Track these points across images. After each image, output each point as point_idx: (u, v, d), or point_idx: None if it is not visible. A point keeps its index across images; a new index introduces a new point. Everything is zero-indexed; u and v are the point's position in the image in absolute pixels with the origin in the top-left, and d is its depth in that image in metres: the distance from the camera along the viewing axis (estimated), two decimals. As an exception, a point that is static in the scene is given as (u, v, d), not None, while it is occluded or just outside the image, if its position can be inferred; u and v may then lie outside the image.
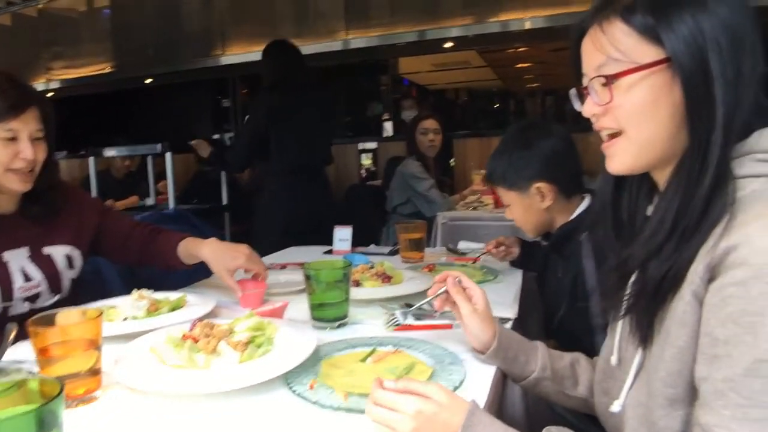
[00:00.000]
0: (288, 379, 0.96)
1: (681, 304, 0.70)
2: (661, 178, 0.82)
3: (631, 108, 0.77)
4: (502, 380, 1.09)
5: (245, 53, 4.59)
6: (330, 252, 2.16)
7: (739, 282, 0.63)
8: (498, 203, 3.48)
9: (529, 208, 1.51)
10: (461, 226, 3.25)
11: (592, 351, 1.09)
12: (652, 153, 0.78)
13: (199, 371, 0.95)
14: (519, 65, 8.68)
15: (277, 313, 1.28)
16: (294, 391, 0.92)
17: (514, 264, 1.84)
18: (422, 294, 1.47)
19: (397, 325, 1.17)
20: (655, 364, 0.75)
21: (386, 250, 2.21)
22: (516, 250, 1.83)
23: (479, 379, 0.99)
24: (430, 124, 3.45)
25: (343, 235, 2.14)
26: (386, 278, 1.53)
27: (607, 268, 0.93)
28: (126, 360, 0.98)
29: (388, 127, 6.43)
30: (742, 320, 0.62)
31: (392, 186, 3.57)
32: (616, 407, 0.83)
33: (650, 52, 0.74)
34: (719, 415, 0.63)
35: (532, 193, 1.48)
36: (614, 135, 0.81)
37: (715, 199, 0.70)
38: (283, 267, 1.93)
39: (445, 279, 1.11)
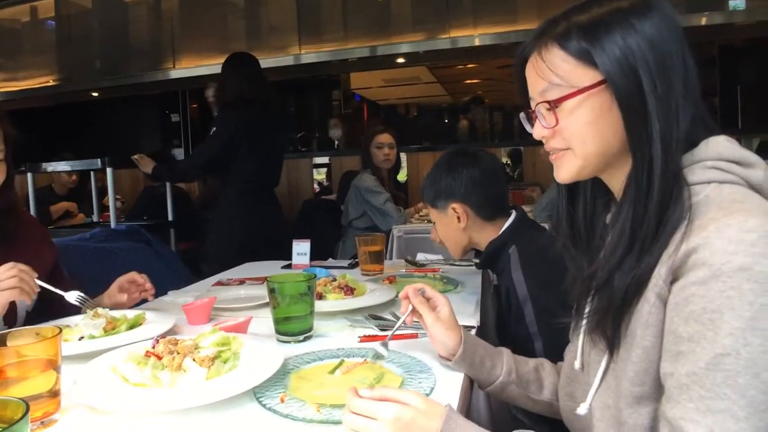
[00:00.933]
0: (257, 393, 0.94)
1: (646, 306, 0.73)
2: (614, 184, 0.87)
3: (575, 129, 0.81)
4: (470, 387, 1.10)
5: (196, 67, 4.53)
6: (289, 266, 2.14)
7: (699, 281, 0.66)
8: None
9: (448, 226, 1.60)
10: (417, 238, 3.28)
11: (534, 357, 1.14)
12: (596, 164, 0.83)
13: (164, 390, 0.92)
14: (467, 81, 8.88)
15: (241, 328, 1.26)
16: (264, 405, 0.90)
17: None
18: (386, 305, 1.49)
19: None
20: (622, 366, 0.78)
21: (345, 263, 2.20)
22: None
23: (448, 386, 1.00)
24: (385, 138, 3.48)
25: (301, 249, 2.13)
26: (349, 290, 1.53)
27: (570, 278, 0.96)
28: (86, 380, 0.94)
29: (339, 142, 6.45)
30: (702, 317, 0.65)
31: (347, 200, 3.58)
32: (582, 410, 0.86)
33: (587, 76, 0.79)
34: (684, 408, 0.66)
35: (449, 213, 1.57)
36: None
37: (670, 208, 0.74)
38: (242, 282, 1.90)
39: (401, 296, 1.11)
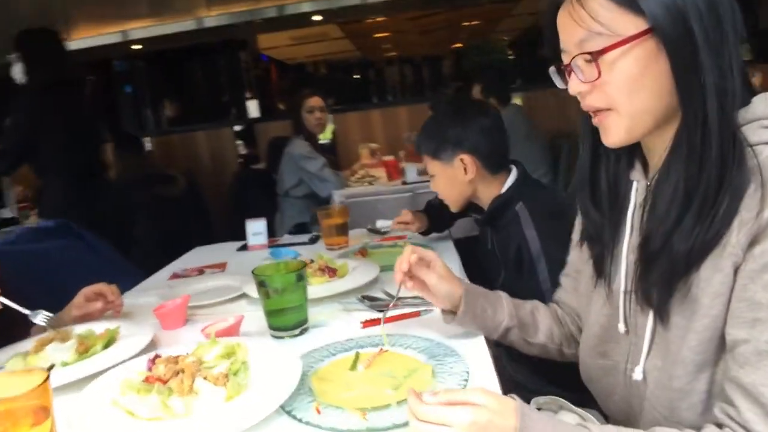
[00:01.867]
0: (285, 406, 0.84)
1: (718, 276, 0.71)
2: (653, 143, 0.82)
3: (619, 83, 0.75)
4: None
5: (95, 36, 4.09)
6: (245, 248, 2.00)
7: None
8: (392, 175, 3.48)
9: (452, 179, 1.52)
10: (359, 202, 3.20)
11: None
12: (645, 123, 0.77)
13: (181, 420, 0.80)
14: (377, 35, 8.71)
15: (234, 330, 1.14)
16: (300, 420, 0.81)
17: (425, 233, 1.87)
18: (374, 282, 1.41)
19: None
20: (680, 333, 0.76)
21: (305, 238, 2.08)
22: (418, 224, 1.84)
23: (479, 366, 0.95)
24: (315, 101, 3.32)
25: (256, 228, 1.99)
26: (331, 272, 1.43)
27: (588, 238, 0.94)
28: (84, 421, 0.80)
29: (253, 107, 6.16)
30: None
31: (282, 169, 3.41)
32: (638, 374, 0.84)
33: (632, 23, 0.72)
34: (765, 373, 0.66)
35: (456, 164, 1.49)
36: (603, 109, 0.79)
37: (732, 169, 0.70)
38: (201, 272, 1.75)
39: (403, 270, 1.03)
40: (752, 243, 0.68)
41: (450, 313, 1.06)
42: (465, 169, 1.48)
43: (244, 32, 5.19)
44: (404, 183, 3.33)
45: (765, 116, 0.73)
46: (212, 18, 4.13)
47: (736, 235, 0.69)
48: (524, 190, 1.47)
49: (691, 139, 0.72)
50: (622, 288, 0.87)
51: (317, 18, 4.49)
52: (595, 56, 0.74)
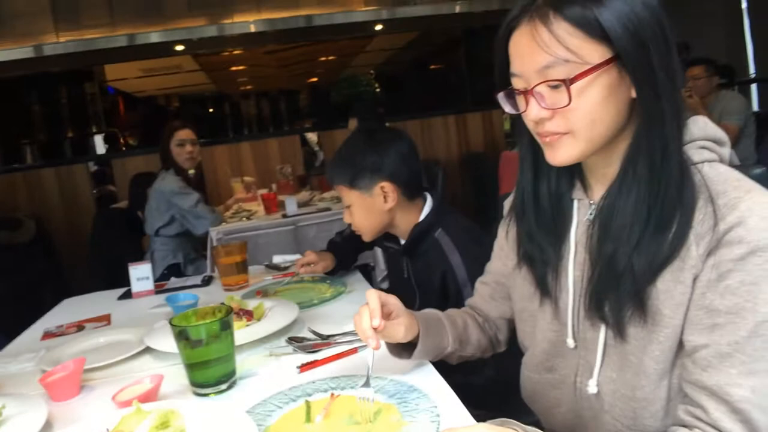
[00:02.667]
0: (248, 475, 0.73)
1: (680, 287, 0.74)
2: (595, 163, 0.84)
3: (585, 110, 0.75)
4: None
5: None
6: (128, 295, 1.77)
7: (737, 258, 0.70)
8: (271, 209, 3.36)
9: (371, 208, 1.47)
10: (238, 239, 3.02)
11: None
12: (598, 146, 0.79)
13: None
14: (233, 68, 8.51)
15: (154, 394, 0.98)
16: (271, 489, 0.70)
17: (331, 272, 1.76)
18: (299, 322, 1.31)
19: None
20: (639, 345, 0.78)
21: (197, 279, 1.90)
22: (324, 263, 1.74)
23: (441, 397, 0.90)
24: (186, 134, 3.11)
25: (141, 273, 1.78)
26: (248, 314, 1.31)
27: (529, 258, 0.94)
28: None
29: (99, 142, 5.70)
30: (740, 290, 0.69)
31: (149, 207, 3.14)
32: (592, 388, 0.85)
33: (597, 52, 0.73)
34: (728, 374, 0.70)
35: (376, 193, 1.44)
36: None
37: (686, 186, 0.74)
38: (80, 327, 1.51)
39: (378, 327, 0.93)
40: (709, 254, 0.72)
41: (396, 345, 1.00)
42: (385, 197, 1.43)
43: (90, 61, 4.77)
44: (284, 216, 3.22)
45: (700, 137, 0.79)
46: (58, 45, 3.73)
47: (695, 248, 0.73)
48: (442, 217, 1.46)
49: (653, 160, 0.75)
50: (570, 304, 0.88)
51: (179, 48, 4.26)
52: (568, 83, 0.73)
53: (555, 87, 0.75)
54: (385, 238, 1.58)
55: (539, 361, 0.95)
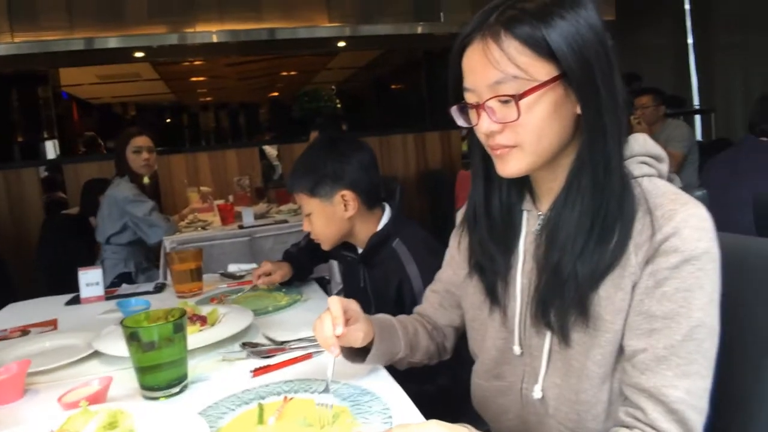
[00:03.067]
0: (198, 474, 0.72)
1: (620, 294, 0.78)
2: (542, 176, 0.88)
3: (532, 124, 0.79)
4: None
5: None
6: (76, 301, 1.72)
7: (673, 266, 0.74)
8: (227, 219, 3.32)
9: (331, 216, 1.48)
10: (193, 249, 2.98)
11: None
12: (545, 160, 0.83)
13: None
14: (193, 78, 8.42)
15: (102, 396, 0.96)
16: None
17: (287, 282, 1.75)
18: (253, 328, 1.31)
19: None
20: (582, 350, 0.81)
21: (149, 286, 1.86)
22: (281, 272, 1.73)
23: (393, 399, 0.92)
24: (143, 141, 3.05)
25: (90, 278, 1.74)
26: (202, 320, 1.29)
27: (479, 266, 0.96)
28: None
29: (50, 148, 5.55)
30: (676, 297, 0.74)
31: (101, 214, 3.06)
32: (537, 393, 0.87)
33: (545, 69, 0.77)
34: (664, 376, 0.74)
35: (336, 201, 1.46)
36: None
37: (626, 198, 0.79)
38: (24, 332, 1.46)
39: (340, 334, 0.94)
40: (647, 262, 0.76)
41: (350, 349, 1.01)
42: (345, 206, 1.45)
43: (45, 64, 4.65)
44: (241, 227, 3.19)
45: (640, 153, 0.85)
46: (12, 45, 3.62)
47: (635, 257, 0.77)
48: (400, 227, 1.48)
49: (596, 174, 0.79)
50: (517, 312, 0.91)
51: (138, 54, 4.20)
52: (517, 99, 0.77)
53: (505, 102, 0.78)
54: (343, 247, 1.58)
55: (488, 368, 0.98)
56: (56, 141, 5.58)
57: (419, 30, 5.01)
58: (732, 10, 5.31)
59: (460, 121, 0.86)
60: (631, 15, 5.60)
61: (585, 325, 0.80)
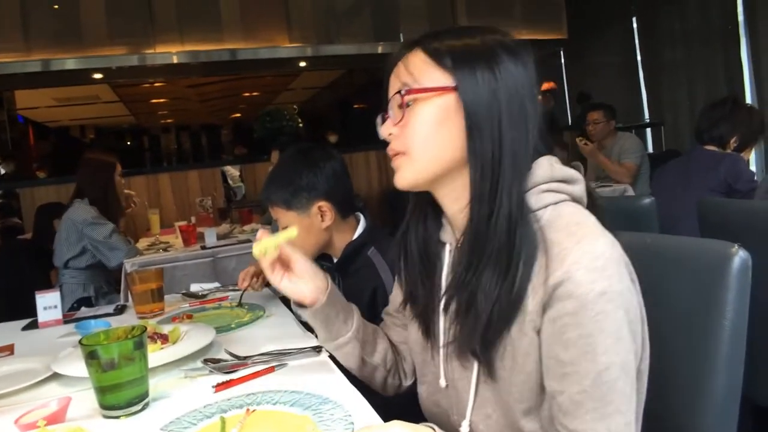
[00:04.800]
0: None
1: (525, 339, 0.78)
2: (450, 206, 0.88)
3: (415, 128, 0.83)
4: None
5: None
6: (34, 325, 1.69)
7: (571, 312, 0.72)
8: (189, 241, 3.29)
9: (309, 228, 1.49)
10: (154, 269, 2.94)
11: None
12: (432, 170, 0.84)
13: None
14: (154, 100, 8.34)
15: (61, 416, 0.95)
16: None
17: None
18: (215, 345, 1.31)
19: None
20: (504, 386, 0.82)
21: (109, 308, 1.84)
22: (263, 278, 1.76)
23: (354, 406, 0.93)
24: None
25: (48, 301, 1.70)
26: (163, 338, 1.29)
27: (408, 294, 0.98)
28: None
29: (5, 171, 5.43)
30: (579, 343, 0.72)
31: (60, 237, 2.99)
32: (464, 428, 0.88)
33: (439, 78, 0.81)
34: (583, 419, 0.74)
35: (313, 212, 1.48)
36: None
37: (518, 235, 0.77)
38: (-22, 358, 1.43)
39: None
40: (545, 308, 0.75)
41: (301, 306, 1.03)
42: (322, 216, 1.47)
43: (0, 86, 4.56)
44: (203, 248, 3.17)
45: (543, 180, 0.81)
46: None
47: (532, 302, 0.76)
48: (375, 236, 1.51)
49: (490, 208, 0.79)
50: (441, 345, 0.92)
51: (97, 76, 4.15)
52: (402, 98, 0.82)
53: (401, 107, 0.84)
54: (319, 257, 1.60)
55: (427, 394, 0.99)
56: (11, 164, 5.46)
57: (380, 50, 5.09)
58: (675, 27, 5.56)
59: (379, 133, 0.90)
60: (583, 34, 5.81)
61: (504, 362, 0.81)
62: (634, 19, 6.07)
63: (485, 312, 0.78)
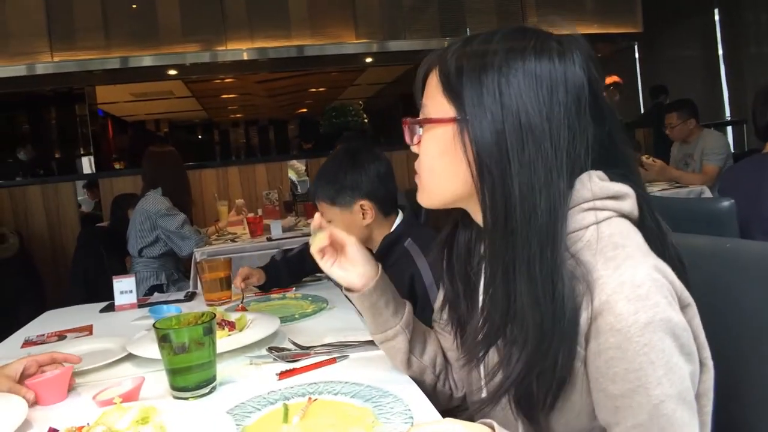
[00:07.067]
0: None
1: (578, 378, 0.73)
2: (475, 216, 0.85)
3: (423, 155, 0.82)
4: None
5: None
6: (111, 308, 1.78)
7: (615, 346, 0.67)
8: (256, 232, 3.38)
9: (350, 224, 1.56)
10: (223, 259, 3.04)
11: None
12: (443, 198, 0.83)
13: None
14: (224, 96, 8.61)
15: (134, 395, 1.00)
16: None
17: (262, 287, 1.85)
18: (279, 334, 1.34)
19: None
20: (545, 415, 0.77)
21: (180, 295, 1.92)
22: (258, 275, 1.82)
23: (414, 401, 0.93)
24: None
25: (124, 286, 1.79)
26: (230, 325, 1.33)
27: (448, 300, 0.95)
28: None
29: (86, 163, 5.72)
30: (628, 377, 0.67)
31: (132, 227, 3.15)
32: None
33: (443, 108, 0.77)
34: None
35: (355, 210, 1.54)
36: None
37: (562, 283, 0.70)
38: (61, 336, 1.52)
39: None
40: (587, 340, 0.70)
41: (356, 290, 1.02)
42: (363, 214, 1.53)
43: (82, 82, 4.83)
44: (269, 239, 3.25)
45: (585, 199, 0.75)
46: (50, 65, 3.78)
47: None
48: (412, 229, 1.56)
49: (493, 264, 0.75)
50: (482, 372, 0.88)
51: (172, 72, 4.34)
52: (408, 127, 0.82)
53: (412, 131, 0.83)
54: None
55: (472, 401, 0.94)
56: (92, 157, 5.77)
57: (446, 45, 5.04)
58: (762, 20, 5.23)
59: (408, 138, 0.86)
60: (659, 27, 5.57)
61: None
62: (716, 11, 5.75)
63: (520, 368, 0.73)
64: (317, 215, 1.05)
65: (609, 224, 0.74)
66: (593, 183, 0.75)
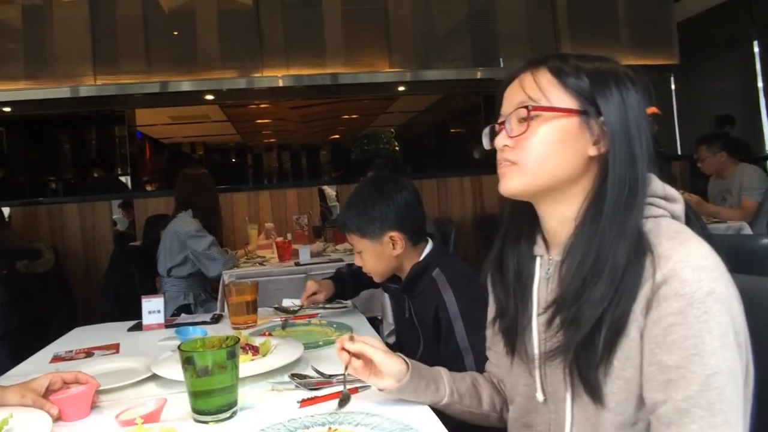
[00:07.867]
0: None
1: (626, 341, 0.75)
2: (551, 220, 0.89)
3: (537, 144, 0.83)
4: None
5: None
6: (138, 327, 1.80)
7: (676, 311, 0.71)
8: (284, 256, 3.40)
9: (381, 255, 1.55)
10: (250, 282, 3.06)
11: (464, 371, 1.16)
12: (542, 184, 0.85)
13: None
14: (259, 120, 8.78)
15: (156, 416, 0.99)
16: None
17: (329, 300, 1.91)
18: (303, 361, 1.33)
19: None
20: (602, 398, 0.79)
21: (206, 317, 1.93)
22: (325, 292, 1.89)
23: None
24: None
25: (153, 306, 1.81)
26: (254, 350, 1.33)
27: (498, 311, 0.99)
28: None
29: (127, 183, 5.89)
30: (686, 344, 0.70)
31: (164, 246, 3.19)
32: None
33: (566, 100, 0.82)
34: (688, 430, 0.69)
35: (385, 241, 1.53)
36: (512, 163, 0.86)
37: (638, 246, 0.77)
38: (88, 354, 1.54)
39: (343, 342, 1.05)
40: (649, 308, 0.74)
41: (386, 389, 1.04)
42: (393, 245, 1.51)
43: (123, 105, 4.98)
44: (297, 264, 3.26)
45: (650, 194, 0.83)
46: (93, 88, 3.92)
47: (637, 302, 0.75)
48: (441, 258, 1.54)
49: (611, 224, 0.79)
50: (537, 359, 0.90)
51: (209, 97, 4.45)
52: (528, 112, 0.82)
53: (522, 120, 0.83)
54: (390, 279, 1.63)
55: (517, 416, 0.98)
56: (129, 177, 5.92)
57: (479, 75, 5.07)
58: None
59: (486, 143, 0.91)
60: (696, 58, 5.49)
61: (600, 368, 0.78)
62: (755, 43, 5.65)
63: (590, 322, 0.76)
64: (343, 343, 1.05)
65: (665, 220, 0.81)
66: (652, 183, 0.83)
